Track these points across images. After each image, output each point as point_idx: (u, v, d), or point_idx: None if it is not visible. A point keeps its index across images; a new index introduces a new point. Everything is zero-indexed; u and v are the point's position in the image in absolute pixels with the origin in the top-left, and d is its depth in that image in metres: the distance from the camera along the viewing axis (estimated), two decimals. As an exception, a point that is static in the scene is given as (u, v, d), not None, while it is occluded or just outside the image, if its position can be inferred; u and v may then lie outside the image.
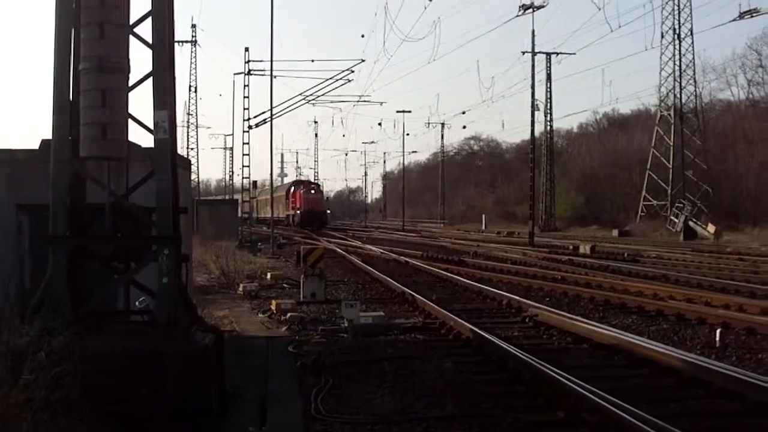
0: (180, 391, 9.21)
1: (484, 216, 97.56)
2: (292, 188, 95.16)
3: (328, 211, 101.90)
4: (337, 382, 12.31)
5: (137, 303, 11.45)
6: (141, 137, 11.25)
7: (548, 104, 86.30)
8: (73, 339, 9.05)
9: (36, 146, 12.81)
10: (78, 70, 10.30)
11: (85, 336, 9.26)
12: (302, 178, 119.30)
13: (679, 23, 75.48)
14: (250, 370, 12.97)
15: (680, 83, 76.40)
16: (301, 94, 57.84)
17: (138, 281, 10.88)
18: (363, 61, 59.29)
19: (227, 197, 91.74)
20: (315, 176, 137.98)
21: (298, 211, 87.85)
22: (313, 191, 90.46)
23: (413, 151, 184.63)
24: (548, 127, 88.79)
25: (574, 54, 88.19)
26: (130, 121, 10.52)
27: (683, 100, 76.96)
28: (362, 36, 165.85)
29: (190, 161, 23.83)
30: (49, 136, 10.36)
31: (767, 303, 20.19)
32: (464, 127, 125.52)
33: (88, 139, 10.20)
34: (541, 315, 18.45)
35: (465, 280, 27.04)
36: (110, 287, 11.08)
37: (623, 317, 19.13)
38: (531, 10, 54.31)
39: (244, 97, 57.85)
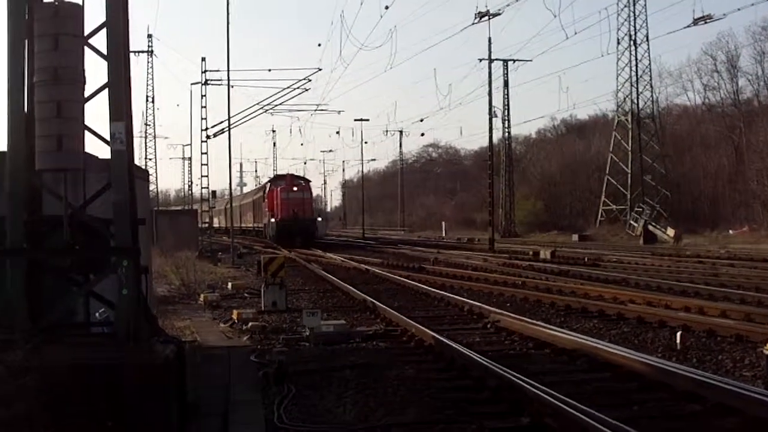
0: (140, 403, 9.11)
1: (444, 223, 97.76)
2: (269, 185, 71.08)
3: (319, 219, 76.15)
4: (300, 391, 12.27)
5: (97, 315, 11.33)
6: (98, 148, 11.16)
7: (506, 111, 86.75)
8: (32, 352, 8.95)
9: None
10: (32, 81, 10.20)
11: (43, 349, 9.15)
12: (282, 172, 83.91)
13: (635, 29, 76.40)
14: (212, 381, 12.87)
15: (637, 88, 77.28)
16: (258, 104, 57.46)
17: (97, 293, 10.77)
18: (320, 69, 59.16)
19: (187, 207, 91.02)
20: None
21: (273, 219, 64.59)
22: (296, 188, 65.35)
23: (372, 159, 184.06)
24: (506, 134, 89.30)
25: (531, 61, 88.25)
26: (86, 132, 10.42)
27: (640, 105, 77.87)
28: (319, 45, 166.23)
29: (148, 172, 23.73)
30: (3, 148, 10.26)
31: (726, 305, 20.37)
32: (422, 134, 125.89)
33: (44, 151, 10.08)
34: (503, 321, 18.48)
35: (426, 287, 27.05)
36: (69, 299, 10.95)
37: (584, 321, 19.20)
38: (487, 17, 54.58)
39: (202, 107, 57.60)
